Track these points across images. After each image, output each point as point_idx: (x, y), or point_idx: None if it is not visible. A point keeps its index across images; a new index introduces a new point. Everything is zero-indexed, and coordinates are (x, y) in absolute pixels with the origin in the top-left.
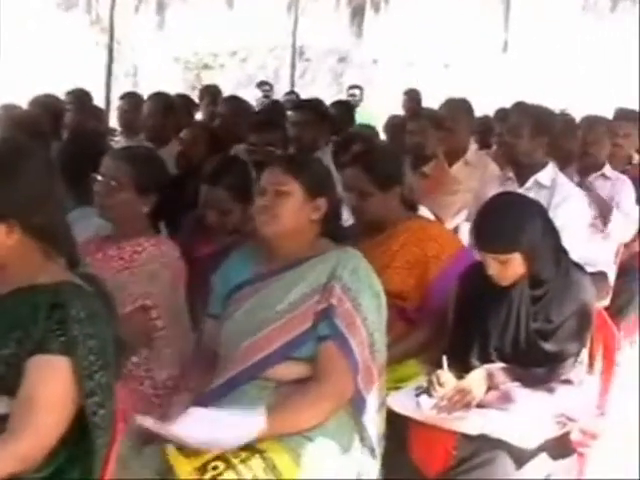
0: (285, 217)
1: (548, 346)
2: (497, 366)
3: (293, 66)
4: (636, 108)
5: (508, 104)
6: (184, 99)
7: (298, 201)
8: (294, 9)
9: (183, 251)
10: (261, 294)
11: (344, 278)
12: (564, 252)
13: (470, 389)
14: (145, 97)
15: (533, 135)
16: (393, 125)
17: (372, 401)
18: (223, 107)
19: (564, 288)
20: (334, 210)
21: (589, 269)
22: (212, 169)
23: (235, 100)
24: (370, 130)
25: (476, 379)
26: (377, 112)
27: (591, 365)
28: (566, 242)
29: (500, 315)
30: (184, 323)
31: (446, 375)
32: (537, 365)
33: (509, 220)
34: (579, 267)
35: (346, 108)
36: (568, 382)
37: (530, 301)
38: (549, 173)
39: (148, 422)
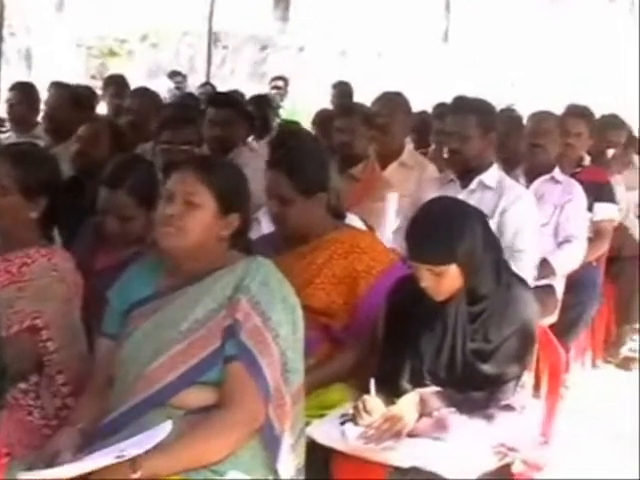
0: (192, 232)
1: (487, 368)
2: (431, 390)
3: (209, 54)
4: (588, 104)
5: (448, 98)
6: (86, 90)
7: (209, 215)
8: None
9: (79, 263)
10: (163, 312)
11: (252, 290)
12: (505, 265)
13: (401, 416)
14: (39, 87)
15: (482, 134)
16: (323, 120)
17: (286, 437)
18: (130, 100)
19: (504, 305)
20: (246, 224)
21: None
22: (112, 170)
23: (144, 92)
24: (299, 127)
25: (407, 405)
26: (304, 107)
27: (537, 389)
28: (518, 247)
29: (434, 334)
30: (80, 345)
31: (374, 401)
32: (475, 389)
33: (446, 227)
34: (521, 281)
35: (268, 103)
36: (509, 408)
37: (467, 318)
38: (494, 174)
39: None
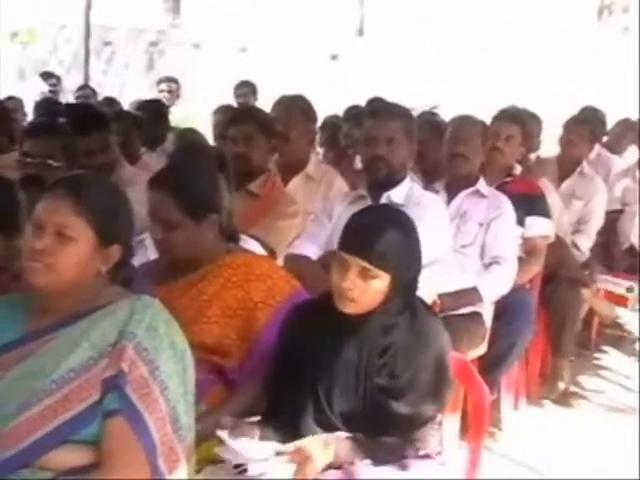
0: (65, 268)
1: (399, 407)
2: (340, 435)
3: (87, 53)
4: (524, 107)
5: (361, 100)
6: None
7: (86, 250)
8: None
9: None
10: (32, 359)
11: (138, 335)
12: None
13: (309, 454)
14: None
15: (407, 144)
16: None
17: None
18: None
19: (412, 335)
20: (129, 254)
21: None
22: None
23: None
24: (195, 135)
25: (315, 444)
26: (200, 111)
27: (465, 431)
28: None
29: (344, 362)
30: None
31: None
32: (389, 432)
33: (400, 234)
34: (428, 308)
35: (157, 109)
36: (426, 457)
37: (378, 350)
38: (404, 188)
39: None
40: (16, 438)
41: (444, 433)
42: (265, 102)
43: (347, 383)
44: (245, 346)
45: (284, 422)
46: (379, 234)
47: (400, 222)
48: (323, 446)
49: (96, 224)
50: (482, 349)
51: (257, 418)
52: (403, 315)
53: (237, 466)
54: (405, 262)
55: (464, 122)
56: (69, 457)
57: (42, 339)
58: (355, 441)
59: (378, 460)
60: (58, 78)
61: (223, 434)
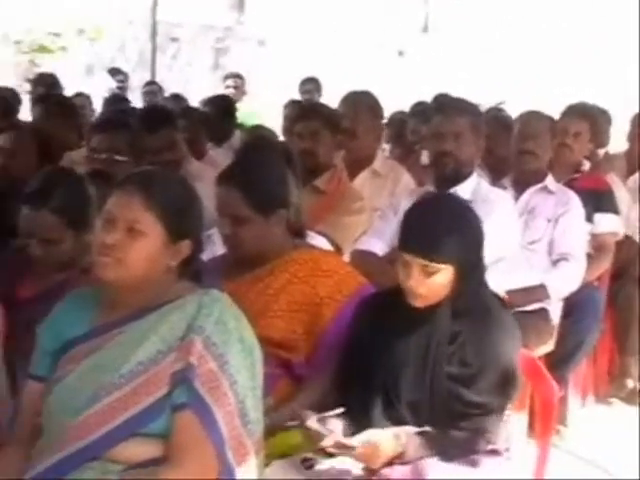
0: (135, 263)
1: (470, 395)
2: (411, 430)
3: (154, 50)
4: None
5: (427, 96)
6: (6, 92)
7: (156, 245)
8: None
9: (1, 293)
10: (101, 352)
11: (207, 329)
12: (485, 283)
13: (377, 444)
14: None
15: (474, 140)
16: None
17: None
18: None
19: (483, 323)
20: (198, 249)
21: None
22: (36, 186)
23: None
24: (264, 130)
25: (384, 434)
26: (265, 108)
27: (532, 428)
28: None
29: (414, 352)
30: (0, 387)
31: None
32: (455, 422)
33: (456, 223)
34: (501, 301)
35: (225, 104)
36: (495, 453)
37: (447, 337)
38: (471, 184)
39: None
40: (86, 430)
41: (511, 430)
42: (330, 99)
43: (415, 373)
44: (311, 340)
45: (354, 417)
46: (435, 231)
47: (454, 211)
48: (393, 439)
49: (166, 219)
50: (550, 346)
51: (339, 410)
52: (472, 303)
53: (305, 460)
54: (466, 250)
55: (532, 118)
56: (138, 450)
57: (111, 333)
58: (425, 436)
59: (447, 456)
60: (125, 74)
61: (314, 424)
